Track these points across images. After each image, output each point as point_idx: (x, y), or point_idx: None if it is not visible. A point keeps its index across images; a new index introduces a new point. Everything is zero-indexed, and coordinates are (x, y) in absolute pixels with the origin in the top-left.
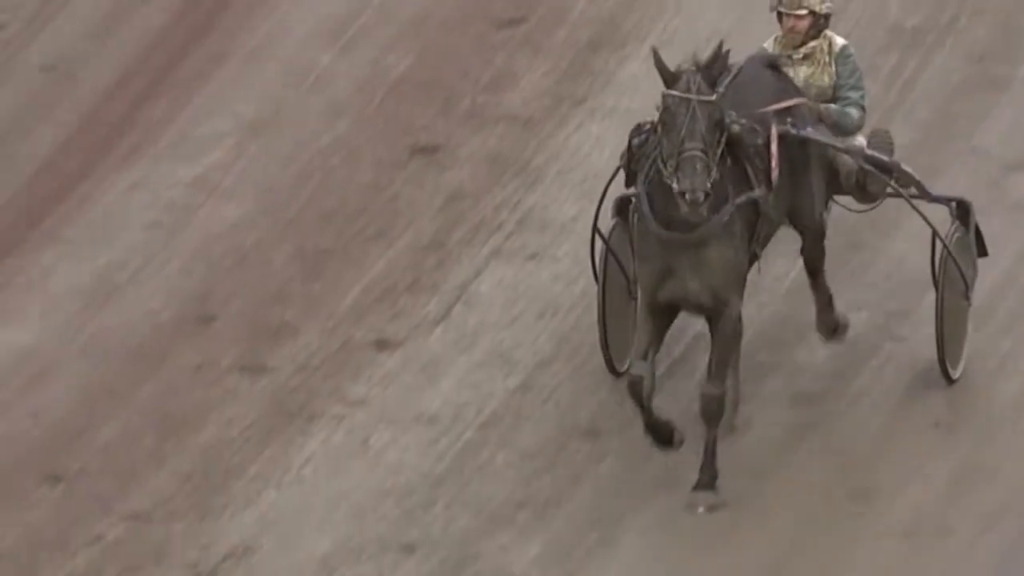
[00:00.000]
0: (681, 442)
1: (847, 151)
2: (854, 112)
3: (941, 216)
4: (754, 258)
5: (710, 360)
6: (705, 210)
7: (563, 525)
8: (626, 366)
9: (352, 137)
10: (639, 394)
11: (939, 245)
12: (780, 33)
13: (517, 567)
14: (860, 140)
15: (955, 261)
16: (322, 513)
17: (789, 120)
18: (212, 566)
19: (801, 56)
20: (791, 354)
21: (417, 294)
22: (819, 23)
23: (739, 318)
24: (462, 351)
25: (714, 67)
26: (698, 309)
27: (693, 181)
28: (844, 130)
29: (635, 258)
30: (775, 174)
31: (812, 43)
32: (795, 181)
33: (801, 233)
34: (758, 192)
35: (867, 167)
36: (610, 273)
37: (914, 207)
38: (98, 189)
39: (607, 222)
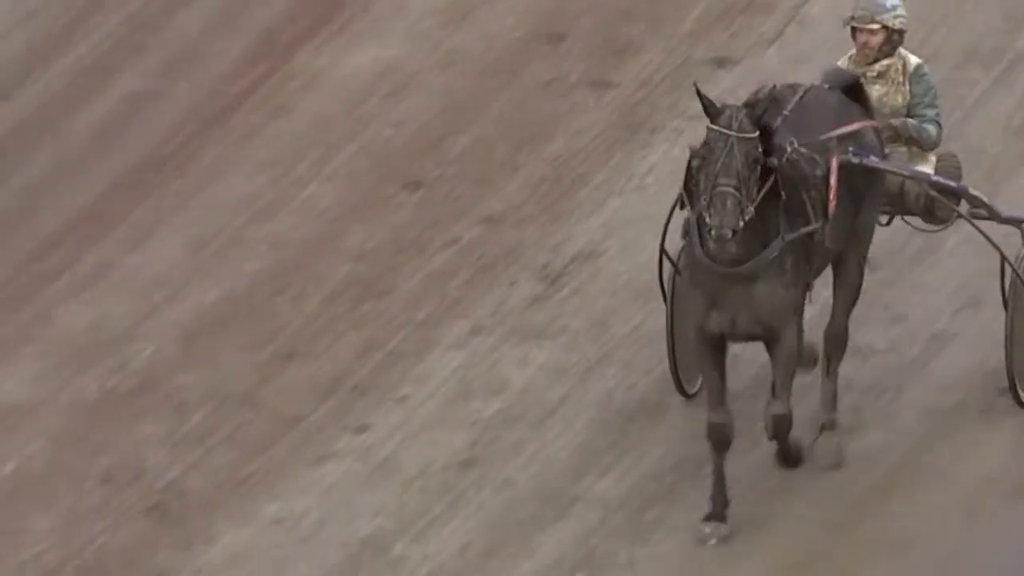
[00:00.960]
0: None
1: (913, 178)
2: (932, 128)
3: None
4: (806, 287)
5: (773, 381)
6: (733, 247)
7: None
8: (696, 388)
9: None
10: (723, 440)
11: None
12: (854, 51)
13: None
14: (930, 159)
15: None
16: (661, 220)
17: (851, 149)
18: (560, 267)
19: (875, 74)
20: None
21: (753, 14)
22: (892, 39)
23: (797, 341)
24: (797, 66)
25: (759, 105)
26: (750, 339)
27: (723, 218)
28: (922, 146)
29: (687, 284)
30: (832, 206)
31: (886, 61)
32: (855, 207)
33: (839, 262)
34: (813, 226)
35: (933, 194)
36: (679, 295)
37: (981, 232)
38: None
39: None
